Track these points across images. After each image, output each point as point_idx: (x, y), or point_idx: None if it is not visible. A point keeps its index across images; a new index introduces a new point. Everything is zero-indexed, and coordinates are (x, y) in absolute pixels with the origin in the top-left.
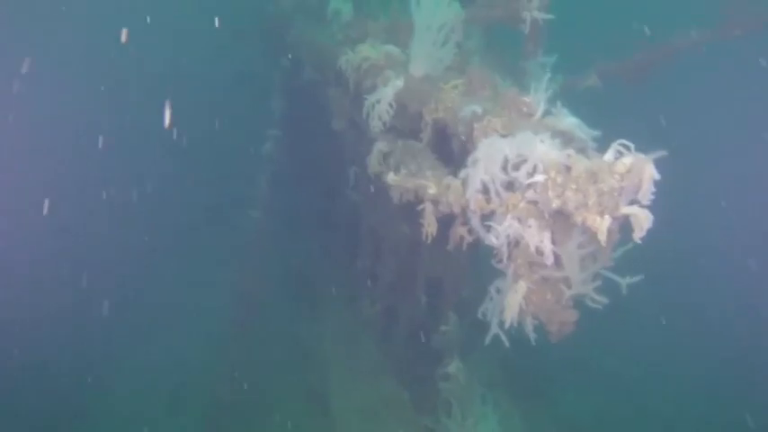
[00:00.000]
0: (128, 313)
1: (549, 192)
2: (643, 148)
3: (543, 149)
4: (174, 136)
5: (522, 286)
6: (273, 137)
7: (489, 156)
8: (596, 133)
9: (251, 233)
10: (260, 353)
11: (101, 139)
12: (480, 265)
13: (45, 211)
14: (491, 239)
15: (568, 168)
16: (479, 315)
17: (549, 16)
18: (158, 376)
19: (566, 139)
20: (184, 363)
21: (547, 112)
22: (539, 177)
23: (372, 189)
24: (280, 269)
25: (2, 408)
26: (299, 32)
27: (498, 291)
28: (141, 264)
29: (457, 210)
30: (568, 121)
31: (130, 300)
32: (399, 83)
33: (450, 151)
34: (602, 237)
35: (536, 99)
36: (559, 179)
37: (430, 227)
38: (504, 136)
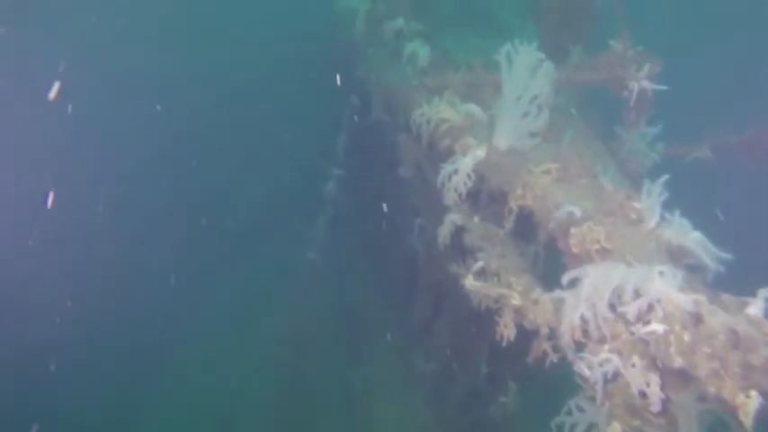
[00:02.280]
0: (180, 342)
1: (670, 348)
2: None
3: (663, 288)
4: (235, 170)
5: (616, 429)
6: (336, 176)
7: (597, 289)
8: (727, 256)
9: (307, 275)
10: (306, 392)
11: (156, 173)
12: None
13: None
14: (582, 368)
15: (698, 318)
16: (552, 427)
17: (662, 87)
18: (204, 405)
19: (682, 254)
20: (232, 393)
21: (661, 222)
22: (657, 327)
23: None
24: (333, 311)
25: (50, 422)
26: (370, 67)
27: (580, 409)
28: (197, 295)
29: (544, 330)
30: (690, 236)
31: (184, 328)
32: (481, 153)
33: (534, 238)
34: (747, 419)
35: (648, 205)
36: (686, 337)
37: (507, 330)
38: (606, 248)
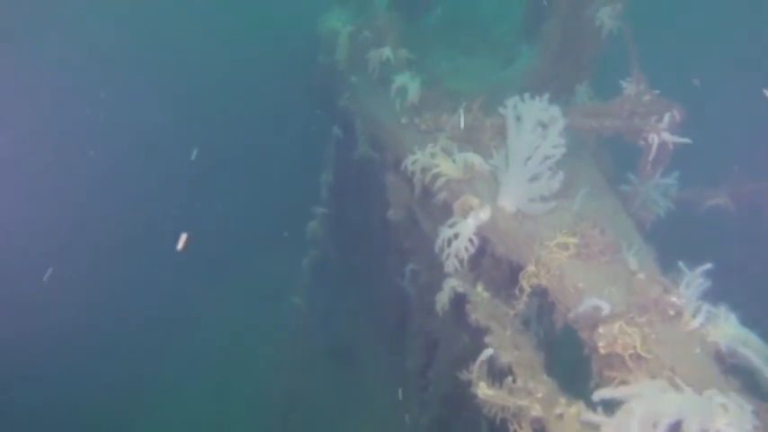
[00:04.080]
0: (161, 389)
1: None
2: None
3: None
4: (202, 206)
5: None
6: (320, 215)
7: (645, 423)
8: None
9: (292, 322)
10: None
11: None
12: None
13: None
14: None
15: None
16: None
17: (686, 140)
18: None
19: (730, 356)
20: None
21: (704, 318)
22: None
23: (431, 295)
24: (321, 357)
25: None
26: (354, 97)
27: None
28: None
29: None
30: (746, 341)
31: (162, 380)
32: (484, 215)
33: (549, 319)
34: None
35: (688, 298)
36: None
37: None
38: (645, 354)
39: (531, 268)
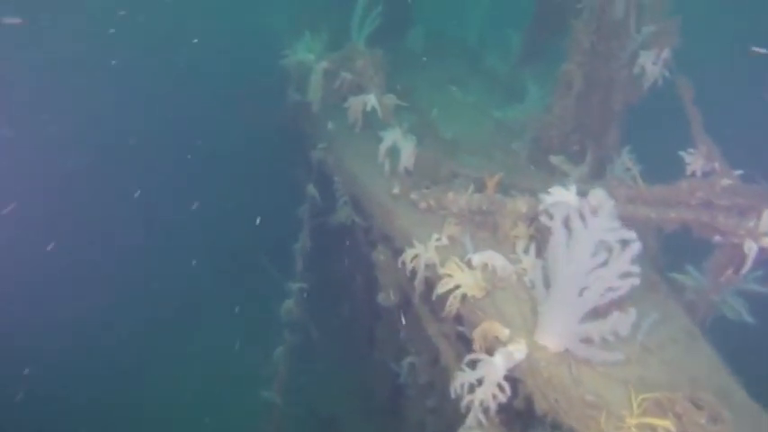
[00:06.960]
0: None
1: None
2: None
3: None
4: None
5: None
6: (296, 292)
7: None
8: None
9: (265, 424)
10: None
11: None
12: None
13: None
14: None
15: None
16: None
17: None
18: None
19: None
20: None
21: None
22: None
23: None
24: None
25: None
26: (332, 148)
27: None
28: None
29: None
30: None
31: None
32: (519, 354)
33: None
34: None
35: None
36: None
37: None
38: None
39: None
